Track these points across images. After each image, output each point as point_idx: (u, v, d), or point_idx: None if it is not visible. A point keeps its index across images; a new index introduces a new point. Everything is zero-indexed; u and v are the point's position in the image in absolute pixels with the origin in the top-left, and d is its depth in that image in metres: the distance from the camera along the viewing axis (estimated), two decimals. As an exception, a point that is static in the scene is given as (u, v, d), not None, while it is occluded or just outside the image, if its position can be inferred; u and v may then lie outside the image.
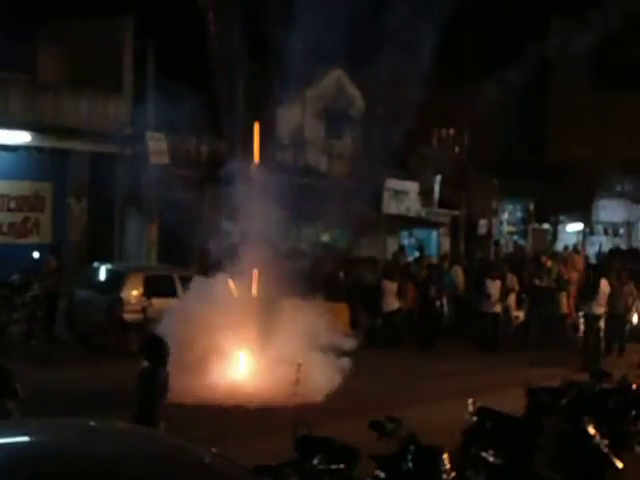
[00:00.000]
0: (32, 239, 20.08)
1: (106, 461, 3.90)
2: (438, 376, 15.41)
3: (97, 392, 12.71)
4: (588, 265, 22.83)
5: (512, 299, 20.22)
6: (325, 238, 23.75)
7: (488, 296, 18.88)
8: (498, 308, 19.07)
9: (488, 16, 27.51)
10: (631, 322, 18.83)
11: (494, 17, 27.98)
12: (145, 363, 8.20)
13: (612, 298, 18.14)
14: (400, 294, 19.30)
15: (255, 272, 14.15)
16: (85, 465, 3.84)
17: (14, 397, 5.97)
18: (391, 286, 19.29)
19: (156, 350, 8.19)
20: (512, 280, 20.08)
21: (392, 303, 19.16)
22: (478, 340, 18.99)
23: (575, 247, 29.19)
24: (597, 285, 17.64)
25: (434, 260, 23.51)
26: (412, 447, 7.31)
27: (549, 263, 21.83)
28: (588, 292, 17.61)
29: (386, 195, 26.74)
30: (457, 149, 29.17)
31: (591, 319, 17.37)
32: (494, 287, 18.97)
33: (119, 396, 12.37)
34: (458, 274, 21.38)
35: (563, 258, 24.09)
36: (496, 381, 14.62)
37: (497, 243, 29.27)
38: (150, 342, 8.53)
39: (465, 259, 24.83)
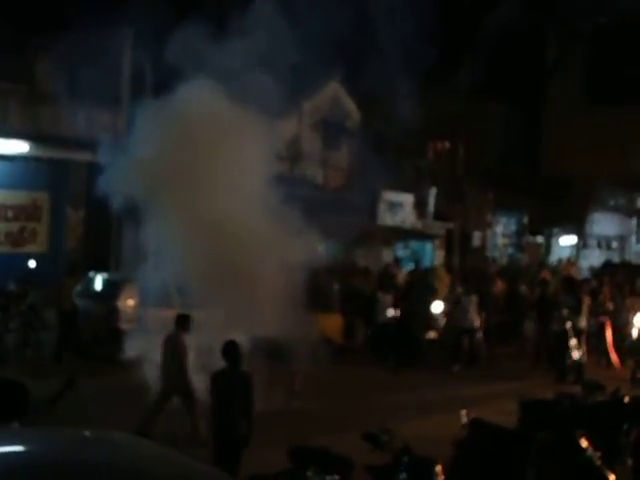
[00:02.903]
0: (29, 248, 20.15)
1: (102, 471, 3.90)
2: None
3: (93, 401, 12.74)
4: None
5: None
6: (320, 249, 23.83)
7: (465, 311, 18.52)
8: (476, 322, 18.64)
9: (483, 29, 27.70)
10: (630, 336, 18.86)
11: (490, 31, 28.15)
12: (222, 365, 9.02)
13: (615, 311, 18.27)
14: (396, 305, 19.33)
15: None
16: (81, 475, 3.85)
17: (19, 418, 5.61)
18: (386, 297, 19.41)
19: (234, 352, 8.96)
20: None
21: (386, 314, 19.24)
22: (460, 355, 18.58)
23: (569, 260, 29.35)
24: (581, 300, 17.80)
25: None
26: (406, 458, 7.39)
27: (549, 277, 21.89)
28: (575, 306, 17.64)
29: (381, 207, 26.87)
30: (452, 162, 29.34)
31: (578, 333, 17.42)
32: (470, 302, 18.58)
33: (115, 405, 12.48)
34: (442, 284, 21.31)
35: (558, 271, 24.24)
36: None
37: (494, 260, 29.35)
38: (228, 345, 9.14)
39: (458, 271, 24.95)
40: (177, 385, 11.92)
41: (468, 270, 26.58)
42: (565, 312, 17.49)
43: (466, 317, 18.47)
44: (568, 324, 17.35)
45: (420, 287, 19.84)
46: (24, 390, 5.76)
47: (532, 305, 19.49)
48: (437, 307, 20.01)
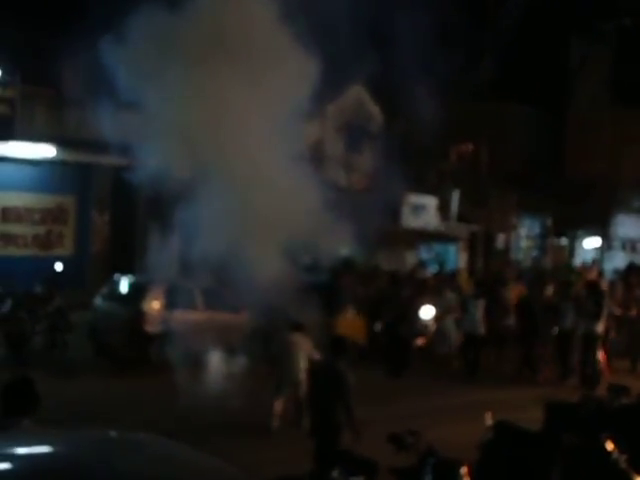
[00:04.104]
0: (55, 251, 20.35)
1: (124, 473, 3.90)
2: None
3: (118, 403, 12.87)
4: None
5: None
6: (344, 252, 23.89)
7: (471, 316, 17.85)
8: (481, 329, 17.82)
9: (508, 32, 27.66)
10: None
11: (514, 33, 28.12)
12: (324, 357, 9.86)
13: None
14: None
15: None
16: (103, 477, 3.84)
17: (29, 414, 5.60)
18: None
19: (339, 346, 9.68)
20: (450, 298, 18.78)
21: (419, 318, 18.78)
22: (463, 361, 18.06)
23: (593, 262, 29.21)
24: (602, 305, 17.14)
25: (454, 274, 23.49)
26: (431, 460, 7.42)
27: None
28: (595, 311, 16.97)
29: (405, 209, 26.89)
30: (475, 164, 29.31)
31: (594, 338, 16.89)
32: (477, 307, 17.87)
33: (140, 407, 12.60)
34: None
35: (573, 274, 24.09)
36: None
37: (518, 263, 29.15)
38: (336, 339, 10.08)
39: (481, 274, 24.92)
40: (291, 376, 12.70)
41: (483, 273, 26.54)
42: (587, 317, 16.95)
43: (472, 322, 17.83)
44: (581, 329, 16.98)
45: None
46: (32, 386, 5.74)
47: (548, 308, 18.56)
48: (427, 312, 18.95)
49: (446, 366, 18.07)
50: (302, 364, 12.68)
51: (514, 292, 19.80)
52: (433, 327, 18.82)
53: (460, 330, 18.25)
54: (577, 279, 21.47)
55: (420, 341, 18.57)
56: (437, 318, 18.72)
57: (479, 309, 17.87)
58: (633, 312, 19.19)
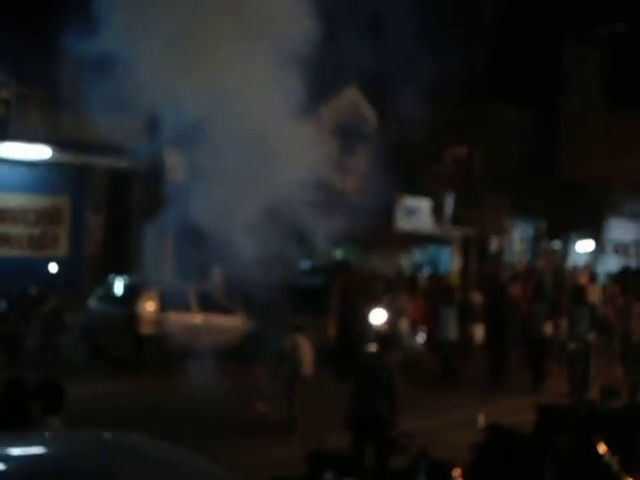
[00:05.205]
0: (50, 252, 20.36)
1: (117, 474, 3.89)
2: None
3: (112, 404, 12.88)
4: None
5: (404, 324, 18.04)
6: (338, 254, 23.96)
7: (443, 323, 17.48)
8: (453, 335, 17.46)
9: (501, 35, 27.75)
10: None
11: (507, 36, 28.21)
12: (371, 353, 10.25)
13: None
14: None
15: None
16: (95, 478, 3.83)
17: (57, 412, 6.44)
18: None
19: (384, 341, 10.49)
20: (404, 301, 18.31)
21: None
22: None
23: (586, 266, 29.29)
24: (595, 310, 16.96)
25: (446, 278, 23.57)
26: (424, 462, 7.47)
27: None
28: (587, 317, 16.57)
29: (399, 212, 26.93)
30: (469, 166, 29.38)
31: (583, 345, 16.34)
32: (447, 313, 17.55)
33: (134, 408, 12.62)
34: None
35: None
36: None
37: (511, 266, 29.07)
38: (382, 336, 11.35)
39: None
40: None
41: (476, 276, 26.47)
42: (580, 324, 16.42)
43: (443, 329, 17.41)
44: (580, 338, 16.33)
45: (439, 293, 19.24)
46: (61, 389, 6.66)
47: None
48: (376, 316, 18.10)
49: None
50: (303, 364, 12.79)
51: (514, 292, 19.53)
52: (386, 332, 17.53)
53: (433, 337, 17.82)
54: (561, 281, 21.36)
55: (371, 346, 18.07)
56: (390, 322, 17.76)
57: (451, 315, 17.50)
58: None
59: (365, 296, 18.36)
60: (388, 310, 17.69)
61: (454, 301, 18.06)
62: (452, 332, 17.47)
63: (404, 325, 17.99)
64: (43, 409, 6.45)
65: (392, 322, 17.77)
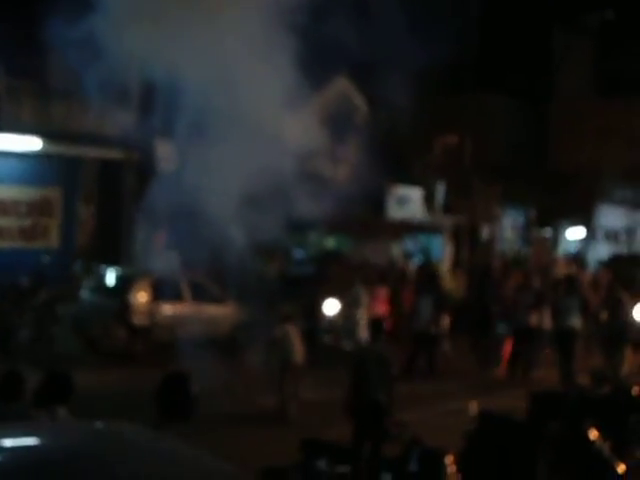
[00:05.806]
0: (41, 243, 20.34)
1: (115, 463, 3.89)
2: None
3: (105, 395, 12.89)
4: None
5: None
6: (329, 244, 23.99)
7: (418, 314, 16.64)
8: (432, 329, 16.55)
9: (491, 23, 27.76)
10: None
11: (497, 24, 28.24)
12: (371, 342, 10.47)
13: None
14: (393, 300, 18.94)
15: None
16: (94, 467, 3.83)
17: (65, 402, 6.49)
18: (380, 292, 18.88)
19: (377, 328, 10.39)
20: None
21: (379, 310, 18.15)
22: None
23: (576, 255, 29.40)
24: (587, 300, 16.86)
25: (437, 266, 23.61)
26: (416, 449, 7.53)
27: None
28: (577, 306, 16.40)
29: (390, 201, 26.95)
30: (460, 155, 29.41)
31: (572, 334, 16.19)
32: (424, 305, 16.73)
33: (127, 399, 12.63)
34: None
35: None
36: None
37: (502, 254, 29.11)
38: (375, 322, 11.03)
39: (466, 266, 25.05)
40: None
41: (468, 264, 26.53)
42: (568, 313, 16.18)
43: (419, 320, 16.57)
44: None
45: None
46: (69, 379, 6.77)
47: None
48: (330, 306, 17.67)
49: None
50: (294, 353, 12.83)
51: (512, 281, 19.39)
52: (340, 322, 17.52)
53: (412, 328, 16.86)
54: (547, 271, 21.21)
55: (327, 338, 17.59)
56: (344, 313, 17.46)
57: (429, 306, 16.66)
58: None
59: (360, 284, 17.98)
60: (343, 301, 17.33)
61: (436, 290, 17.41)
62: (425, 322, 16.56)
63: (359, 316, 16.95)
64: (51, 399, 6.50)
65: (346, 313, 17.21)
